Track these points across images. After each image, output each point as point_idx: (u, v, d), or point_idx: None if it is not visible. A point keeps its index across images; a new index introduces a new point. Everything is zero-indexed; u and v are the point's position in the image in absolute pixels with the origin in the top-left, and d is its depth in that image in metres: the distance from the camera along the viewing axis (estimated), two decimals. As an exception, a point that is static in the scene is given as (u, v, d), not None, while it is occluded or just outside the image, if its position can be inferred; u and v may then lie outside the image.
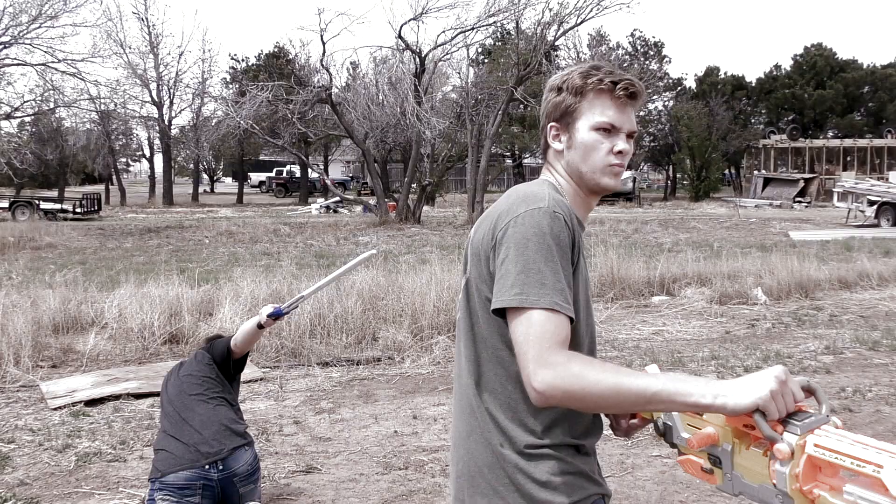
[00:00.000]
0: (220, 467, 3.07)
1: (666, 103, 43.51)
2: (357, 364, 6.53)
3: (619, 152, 1.56)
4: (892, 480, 1.07)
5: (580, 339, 1.53)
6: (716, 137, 37.97)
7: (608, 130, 1.57)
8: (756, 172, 38.54)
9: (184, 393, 3.35)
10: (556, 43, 26.14)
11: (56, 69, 23.01)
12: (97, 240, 18.98)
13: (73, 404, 5.35)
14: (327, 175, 33.46)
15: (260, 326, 3.49)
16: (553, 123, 1.62)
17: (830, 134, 43.90)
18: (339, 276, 3.83)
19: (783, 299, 9.43)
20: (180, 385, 3.40)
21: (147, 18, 37.27)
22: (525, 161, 44.95)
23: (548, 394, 1.33)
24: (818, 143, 40.28)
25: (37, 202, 27.43)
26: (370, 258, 3.87)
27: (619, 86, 1.55)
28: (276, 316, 3.48)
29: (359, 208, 29.70)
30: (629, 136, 1.58)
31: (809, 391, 1.31)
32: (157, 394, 5.65)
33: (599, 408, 1.41)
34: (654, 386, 1.29)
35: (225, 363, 3.54)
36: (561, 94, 1.60)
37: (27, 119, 32.46)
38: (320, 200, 35.91)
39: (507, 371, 1.50)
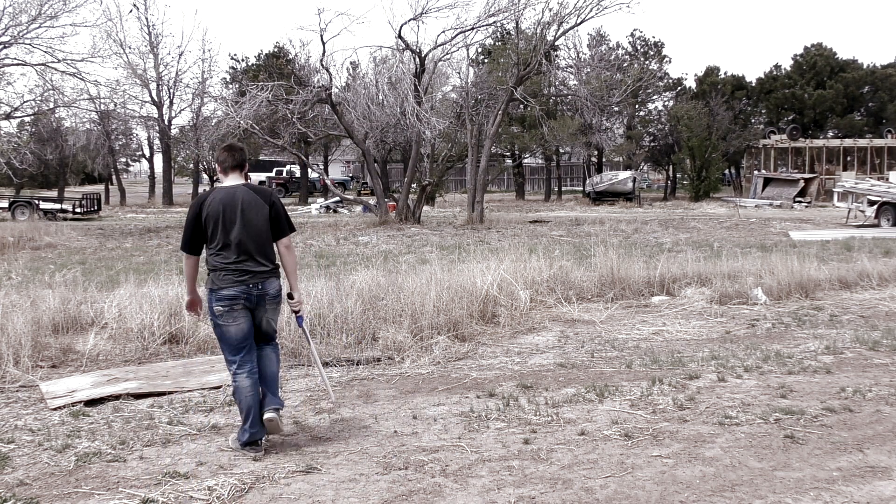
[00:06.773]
0: (261, 287, 4.54)
1: (666, 103, 43.51)
2: (357, 364, 6.52)
3: None
4: None
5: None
6: (716, 137, 37.93)
7: None
8: (756, 172, 38.51)
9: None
10: (556, 43, 26.15)
11: (56, 69, 23.01)
12: (97, 240, 18.98)
13: (73, 404, 5.34)
14: (327, 175, 33.44)
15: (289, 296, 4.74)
16: None
17: (830, 134, 43.83)
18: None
19: (783, 299, 9.42)
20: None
21: (147, 18, 37.28)
22: (525, 161, 44.93)
23: None
24: (818, 143, 40.25)
25: (36, 202, 27.47)
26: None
27: None
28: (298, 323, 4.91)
29: (359, 208, 29.71)
30: None
31: None
32: (156, 394, 5.66)
33: None
34: None
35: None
36: None
37: (27, 119, 32.49)
38: (320, 200, 35.93)
39: None
